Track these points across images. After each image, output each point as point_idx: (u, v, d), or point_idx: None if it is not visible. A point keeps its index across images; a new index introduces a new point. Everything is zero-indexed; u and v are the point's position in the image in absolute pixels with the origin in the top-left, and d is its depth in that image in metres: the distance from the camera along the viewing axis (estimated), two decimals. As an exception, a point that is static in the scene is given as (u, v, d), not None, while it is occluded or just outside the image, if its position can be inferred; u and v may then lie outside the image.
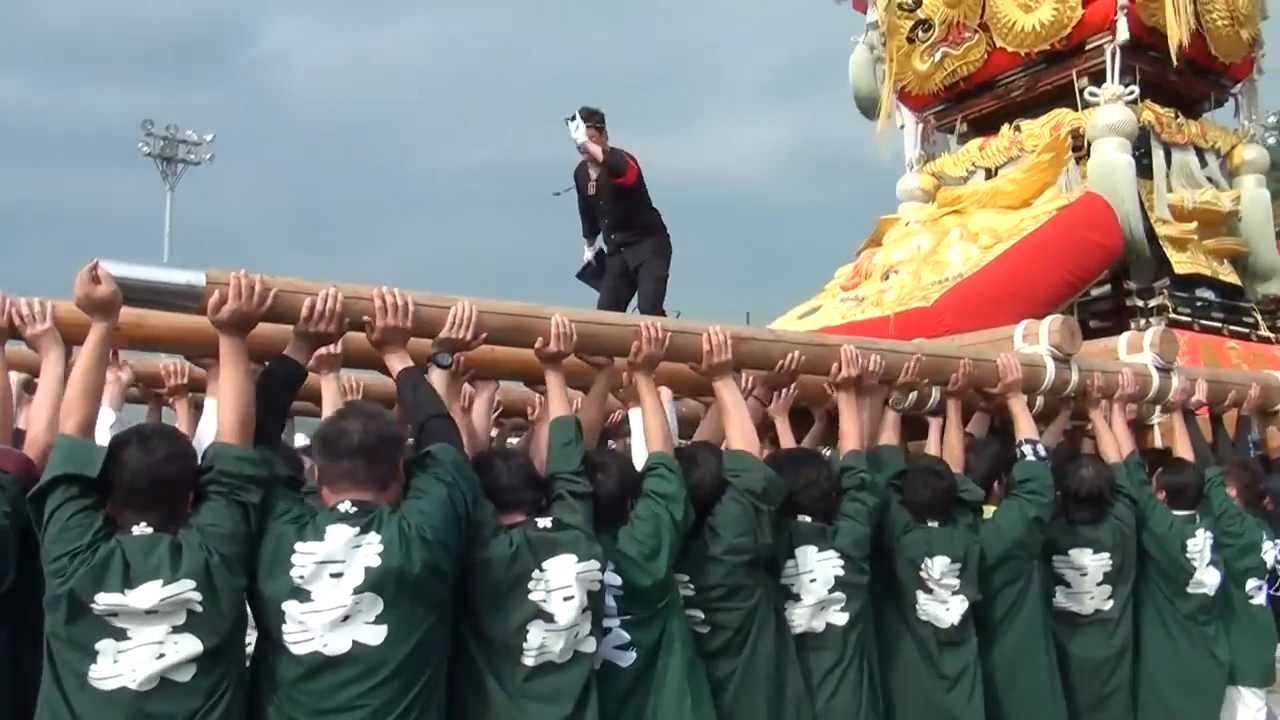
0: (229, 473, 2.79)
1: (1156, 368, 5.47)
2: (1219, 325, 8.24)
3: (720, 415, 4.01)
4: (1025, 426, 4.70)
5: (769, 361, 4.14)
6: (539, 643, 3.05)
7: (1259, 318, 8.63)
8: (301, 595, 2.75)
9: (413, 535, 2.84)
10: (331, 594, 2.75)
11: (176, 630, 2.61)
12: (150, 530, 2.67)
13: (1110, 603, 4.67)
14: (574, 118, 7.34)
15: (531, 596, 3.07)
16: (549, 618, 3.06)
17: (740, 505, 3.64)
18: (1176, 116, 8.69)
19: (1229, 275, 8.61)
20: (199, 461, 2.85)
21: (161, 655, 2.59)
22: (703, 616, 3.58)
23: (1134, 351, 5.66)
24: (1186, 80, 8.78)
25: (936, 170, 9.49)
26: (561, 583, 3.10)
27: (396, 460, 2.99)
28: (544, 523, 3.19)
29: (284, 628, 2.75)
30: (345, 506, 2.83)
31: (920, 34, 9.22)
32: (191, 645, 2.61)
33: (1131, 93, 8.14)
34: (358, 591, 2.76)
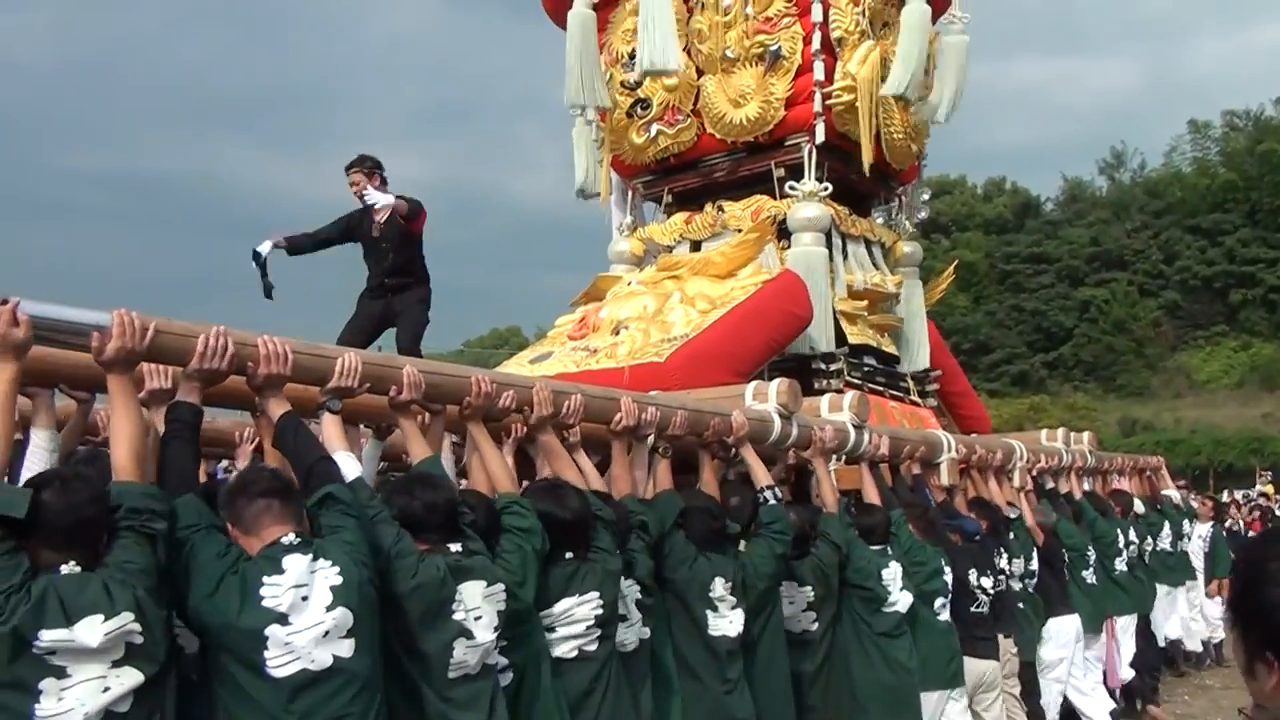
0: (137, 508, 2.90)
1: (853, 425, 6.56)
2: (881, 388, 9.64)
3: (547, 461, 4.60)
4: (761, 474, 5.52)
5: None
6: (461, 657, 3.42)
7: (911, 384, 10.17)
8: (282, 619, 2.97)
9: (355, 561, 3.15)
10: (307, 614, 3.01)
11: (116, 664, 2.70)
12: (79, 569, 2.74)
13: (815, 625, 5.58)
14: (365, 174, 7.68)
15: (455, 617, 3.43)
16: (469, 635, 3.44)
17: (609, 533, 4.26)
18: (851, 213, 10.08)
19: (889, 346, 10.11)
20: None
21: (107, 689, 2.68)
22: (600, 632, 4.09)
23: (834, 410, 6.71)
24: (864, 181, 10.15)
25: (645, 237, 10.50)
26: (473, 604, 3.49)
27: (301, 504, 3.25)
28: (455, 549, 3.57)
29: (265, 653, 2.95)
30: (289, 539, 3.09)
31: (639, 111, 10.22)
32: (133, 677, 2.71)
33: (826, 189, 9.46)
34: (329, 609, 3.04)
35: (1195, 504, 13.51)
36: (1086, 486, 9.96)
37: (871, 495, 6.44)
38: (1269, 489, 34.81)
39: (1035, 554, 7.66)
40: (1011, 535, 7.52)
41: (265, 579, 3.01)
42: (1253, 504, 24.40)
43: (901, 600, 5.93)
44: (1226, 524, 15.13)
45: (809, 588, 5.61)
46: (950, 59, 9.93)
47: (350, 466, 3.53)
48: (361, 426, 4.65)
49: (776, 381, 6.17)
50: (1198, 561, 12.20)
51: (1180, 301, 64.76)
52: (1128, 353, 62.95)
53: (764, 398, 6.06)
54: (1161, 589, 10.46)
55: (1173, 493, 12.39)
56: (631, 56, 10.19)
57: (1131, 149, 77.06)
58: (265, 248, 7.56)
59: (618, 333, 8.67)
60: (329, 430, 3.66)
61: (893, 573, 5.95)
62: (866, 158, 9.44)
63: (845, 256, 9.85)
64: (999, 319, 65.50)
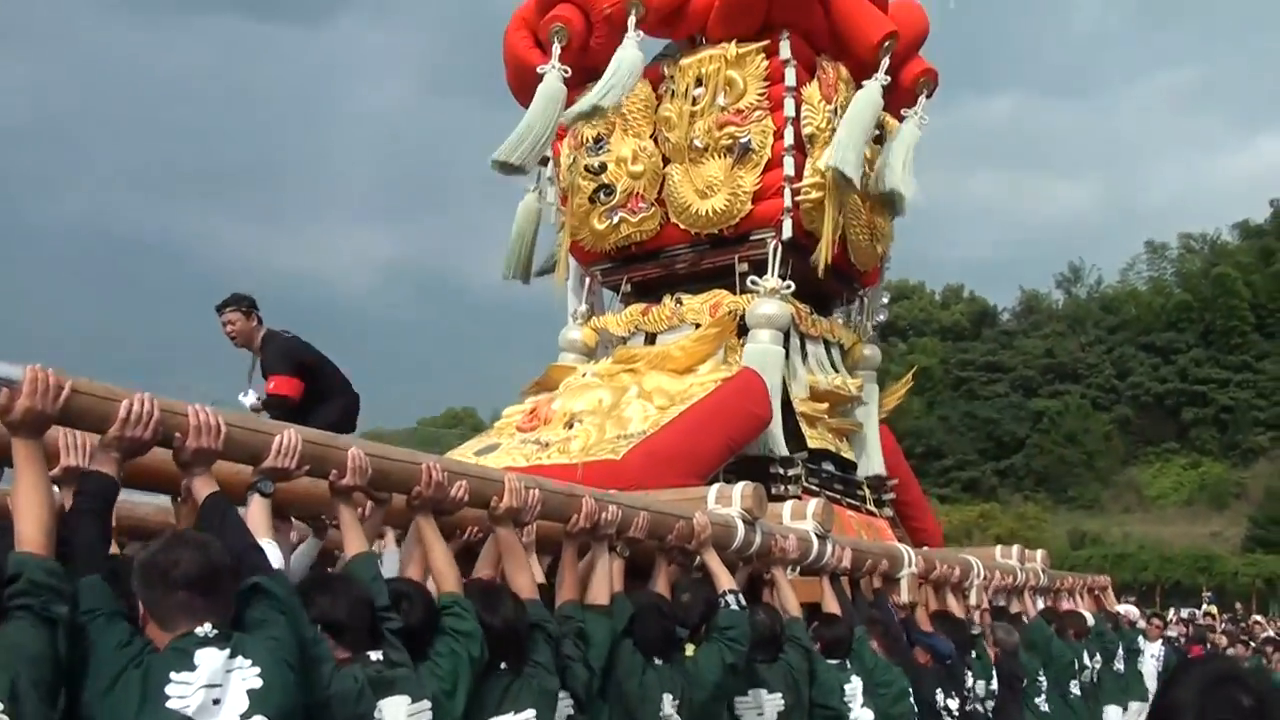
0: (38, 583, 2.54)
1: (816, 535, 6.23)
2: (839, 496, 9.32)
3: (500, 559, 4.23)
4: (725, 579, 5.17)
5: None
6: None
7: (867, 492, 9.87)
8: None
9: (280, 661, 2.77)
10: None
11: None
12: None
13: (784, 741, 5.19)
14: (243, 314, 7.19)
15: None
16: None
17: (551, 649, 3.93)
18: (812, 312, 9.84)
19: (847, 452, 9.81)
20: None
21: None
22: None
23: (797, 518, 6.39)
24: (828, 281, 9.93)
25: (599, 326, 10.18)
26: None
27: (230, 594, 2.84)
28: (376, 658, 3.23)
29: None
30: (205, 630, 2.70)
31: (602, 197, 9.92)
32: None
33: (789, 287, 9.23)
34: (245, 716, 2.65)
35: (1142, 623, 13.34)
36: (1039, 605, 9.68)
37: (832, 607, 6.12)
38: (1213, 609, 34.77)
39: (995, 674, 7.35)
40: (974, 654, 7.23)
41: (173, 675, 2.60)
42: (1200, 621, 24.31)
43: (863, 718, 5.58)
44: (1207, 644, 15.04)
45: (779, 695, 5.18)
46: (900, 144, 9.86)
47: (273, 556, 3.17)
48: (294, 521, 4.29)
49: (741, 485, 5.82)
50: (1150, 682, 11.94)
51: (1132, 417, 65.56)
52: (1079, 465, 63.44)
53: (727, 501, 5.70)
54: (1114, 710, 10.17)
55: (1127, 608, 12.24)
56: (596, 141, 10.01)
57: (1089, 265, 78.83)
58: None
59: (571, 426, 8.32)
60: (255, 516, 3.30)
61: (854, 688, 5.58)
62: (825, 255, 9.29)
63: (805, 357, 9.60)
64: (952, 424, 65.88)
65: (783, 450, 8.81)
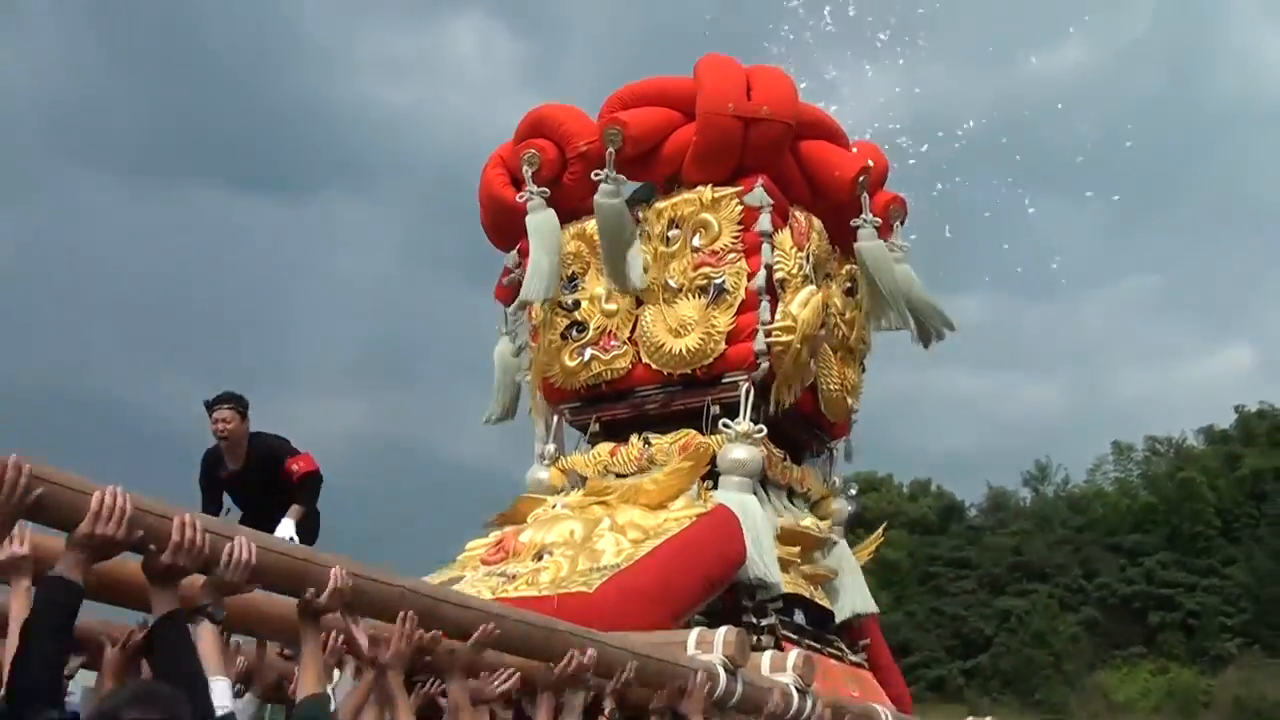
0: None
1: (797, 689, 5.88)
2: (819, 646, 8.93)
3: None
4: None
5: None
6: None
7: (844, 646, 9.49)
8: None
9: None
10: None
11: None
12: None
13: None
14: (239, 414, 7.23)
15: None
16: None
17: None
18: (784, 459, 9.65)
19: (821, 599, 9.47)
20: None
21: None
22: None
23: (776, 670, 6.06)
24: (798, 429, 9.85)
25: (566, 467, 9.90)
26: None
27: None
28: None
29: None
30: None
31: (574, 334, 9.86)
32: None
33: (760, 430, 9.04)
34: None
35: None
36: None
37: None
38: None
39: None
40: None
41: None
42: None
43: None
44: None
45: None
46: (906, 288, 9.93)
47: (222, 695, 2.89)
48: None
49: (724, 630, 5.54)
50: None
51: (1099, 618, 64.73)
52: (1046, 667, 62.26)
53: (708, 647, 5.39)
54: None
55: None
56: (570, 279, 9.97)
57: (1055, 464, 78.58)
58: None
59: (540, 558, 8.01)
60: (205, 647, 2.95)
61: None
62: (788, 397, 9.26)
63: (786, 498, 9.43)
64: (919, 620, 64.87)
65: (774, 577, 8.46)
